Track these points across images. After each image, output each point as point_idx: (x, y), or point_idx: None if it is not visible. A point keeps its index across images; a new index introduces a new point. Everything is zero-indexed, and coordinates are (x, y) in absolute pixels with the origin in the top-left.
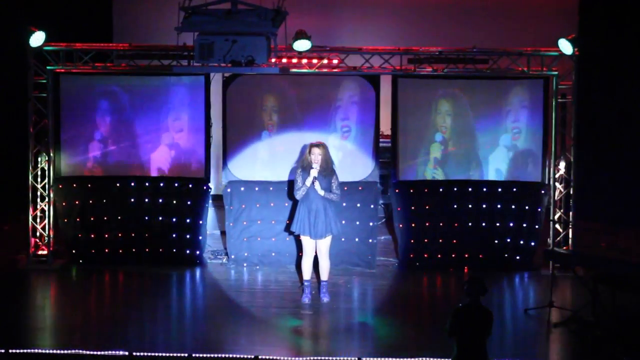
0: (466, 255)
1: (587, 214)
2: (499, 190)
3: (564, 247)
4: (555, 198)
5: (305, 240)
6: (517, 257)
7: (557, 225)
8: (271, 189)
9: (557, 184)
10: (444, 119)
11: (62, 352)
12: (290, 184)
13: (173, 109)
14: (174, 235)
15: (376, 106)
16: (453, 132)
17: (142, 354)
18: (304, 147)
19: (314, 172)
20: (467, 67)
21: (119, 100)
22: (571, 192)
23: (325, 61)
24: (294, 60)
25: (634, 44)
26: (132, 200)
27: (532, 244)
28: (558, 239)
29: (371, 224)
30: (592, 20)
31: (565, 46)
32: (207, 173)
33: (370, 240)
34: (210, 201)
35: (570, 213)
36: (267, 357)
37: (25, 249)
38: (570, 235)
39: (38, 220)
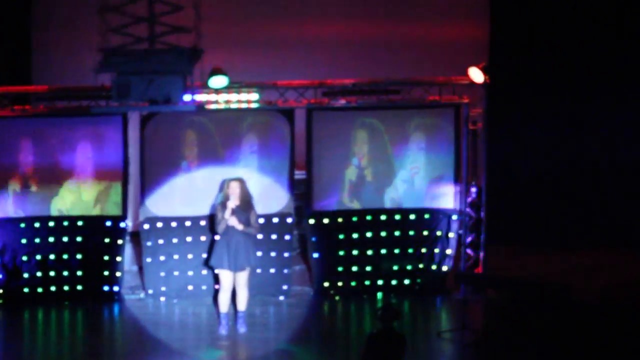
0: (380, 282)
1: (498, 238)
2: (413, 217)
3: (475, 270)
4: (467, 223)
5: (224, 274)
6: (430, 282)
7: (468, 250)
8: (188, 223)
9: (468, 209)
10: (360, 147)
11: None
12: (211, 218)
13: (90, 148)
14: (92, 273)
15: (291, 139)
16: (370, 160)
17: None
18: (223, 182)
19: (231, 206)
20: (380, 98)
21: (39, 142)
22: (482, 218)
23: (242, 96)
24: (211, 97)
25: (541, 73)
26: (51, 239)
27: (445, 268)
28: (470, 263)
29: (286, 254)
30: (502, 50)
31: (476, 74)
32: (125, 210)
33: (285, 271)
34: (128, 238)
35: (482, 237)
36: None
37: None
38: (481, 259)
39: None
